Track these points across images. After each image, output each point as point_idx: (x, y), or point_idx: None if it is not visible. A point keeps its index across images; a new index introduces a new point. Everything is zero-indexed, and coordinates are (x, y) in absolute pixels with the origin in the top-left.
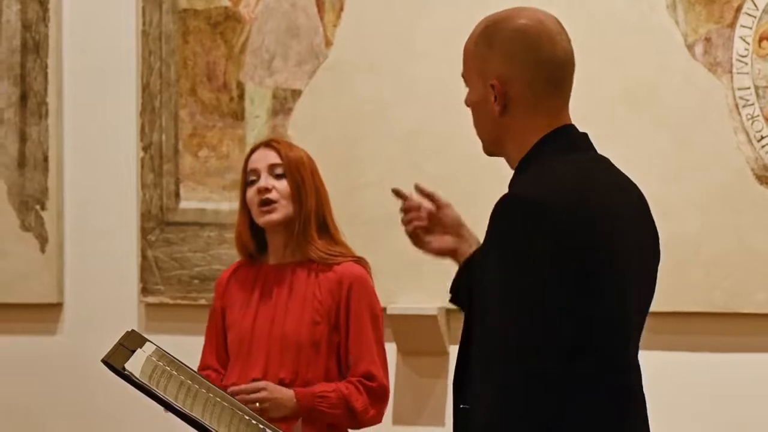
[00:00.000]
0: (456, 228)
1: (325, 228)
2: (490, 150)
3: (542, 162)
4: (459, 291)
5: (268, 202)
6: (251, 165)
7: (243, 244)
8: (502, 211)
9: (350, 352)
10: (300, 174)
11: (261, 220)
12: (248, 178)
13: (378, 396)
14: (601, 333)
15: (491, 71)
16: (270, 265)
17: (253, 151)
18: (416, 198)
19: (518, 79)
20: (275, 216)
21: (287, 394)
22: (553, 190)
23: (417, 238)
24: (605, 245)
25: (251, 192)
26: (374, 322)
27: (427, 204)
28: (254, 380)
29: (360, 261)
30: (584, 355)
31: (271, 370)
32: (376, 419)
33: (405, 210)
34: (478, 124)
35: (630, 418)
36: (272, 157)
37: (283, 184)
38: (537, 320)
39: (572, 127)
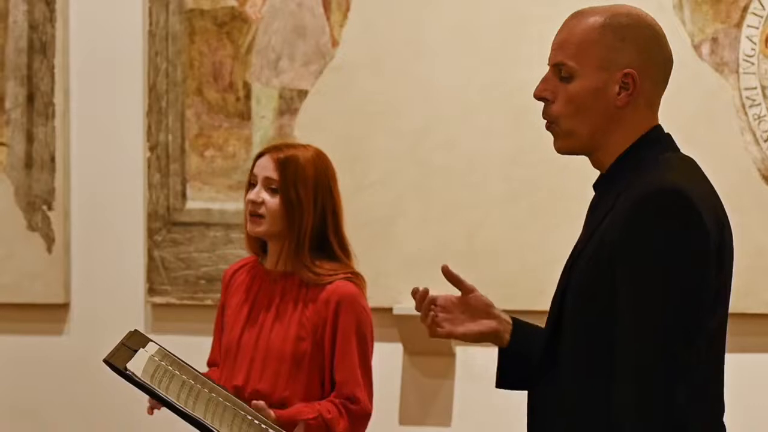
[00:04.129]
0: (488, 310)
1: (327, 246)
2: (580, 143)
3: (655, 158)
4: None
5: (256, 215)
6: (255, 169)
7: (249, 243)
8: (659, 205)
9: (335, 372)
10: (296, 192)
11: (247, 229)
12: (250, 180)
13: (359, 419)
14: (720, 337)
15: (622, 62)
16: (265, 272)
17: (261, 154)
18: (429, 294)
19: (647, 73)
20: (258, 229)
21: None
22: (699, 189)
23: (438, 328)
24: (729, 248)
25: (247, 198)
26: (361, 342)
27: (442, 296)
28: (252, 398)
29: (353, 278)
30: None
31: (251, 381)
32: None
33: (423, 308)
34: (581, 113)
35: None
36: (270, 170)
37: (275, 201)
38: (691, 320)
39: (661, 126)
